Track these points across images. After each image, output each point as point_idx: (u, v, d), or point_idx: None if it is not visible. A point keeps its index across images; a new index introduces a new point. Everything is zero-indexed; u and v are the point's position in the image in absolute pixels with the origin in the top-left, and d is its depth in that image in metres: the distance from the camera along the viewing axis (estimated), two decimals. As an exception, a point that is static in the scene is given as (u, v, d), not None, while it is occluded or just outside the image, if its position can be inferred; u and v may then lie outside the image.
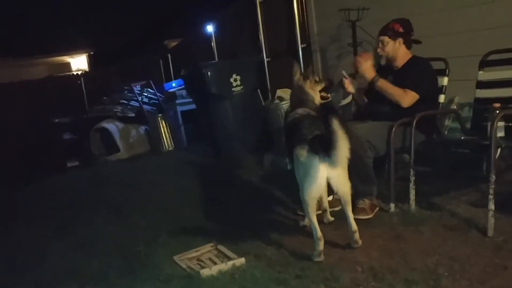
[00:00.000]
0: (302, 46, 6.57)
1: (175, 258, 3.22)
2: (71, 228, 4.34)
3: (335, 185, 2.93)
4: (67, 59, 15.02)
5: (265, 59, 7.08)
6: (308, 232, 3.19)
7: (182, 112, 7.88)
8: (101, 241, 3.85)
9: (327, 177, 2.87)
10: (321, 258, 2.91)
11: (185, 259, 3.19)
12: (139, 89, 9.48)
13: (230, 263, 2.99)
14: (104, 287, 3.04)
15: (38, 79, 12.44)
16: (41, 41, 13.31)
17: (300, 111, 3.31)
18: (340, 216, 3.27)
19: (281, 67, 6.98)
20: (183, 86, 7.89)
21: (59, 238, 4.09)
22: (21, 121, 9.99)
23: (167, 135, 8.15)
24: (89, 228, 4.27)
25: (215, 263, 3.06)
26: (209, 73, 6.07)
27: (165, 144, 8.10)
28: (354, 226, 3.03)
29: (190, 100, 7.53)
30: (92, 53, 14.89)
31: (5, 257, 3.91)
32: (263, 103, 6.48)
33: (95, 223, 4.40)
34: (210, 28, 8.33)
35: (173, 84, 8.90)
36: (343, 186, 2.95)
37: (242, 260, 3.02)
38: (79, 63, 15.12)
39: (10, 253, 3.99)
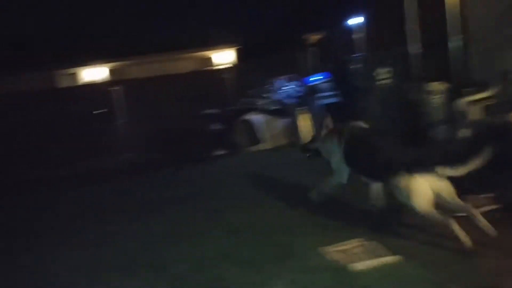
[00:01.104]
0: (457, 37, 6.15)
1: (322, 250, 3.22)
2: (220, 214, 4.55)
3: (443, 198, 3.07)
4: (210, 53, 15.77)
5: (416, 51, 6.75)
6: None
7: (323, 105, 7.85)
8: (249, 229, 3.98)
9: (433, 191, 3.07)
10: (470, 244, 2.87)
11: (332, 252, 3.19)
12: (282, 82, 9.67)
13: (382, 259, 2.93)
14: (252, 271, 3.13)
15: (186, 72, 13.20)
16: (191, 38, 14.22)
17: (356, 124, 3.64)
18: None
19: (432, 59, 6.64)
20: (325, 80, 7.87)
21: (211, 223, 4.30)
22: (172, 112, 10.70)
23: (307, 128, 8.18)
24: (237, 215, 4.43)
25: (363, 259, 3.00)
26: (355, 66, 5.99)
27: (305, 137, 8.14)
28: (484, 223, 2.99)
29: (332, 93, 7.50)
30: (239, 47, 15.46)
31: (164, 233, 4.20)
32: (412, 96, 6.19)
33: (242, 210, 4.57)
34: (354, 21, 8.18)
35: (316, 78, 8.91)
36: (451, 194, 3.08)
37: (396, 257, 2.94)
38: (222, 57, 15.79)
39: (168, 230, 4.29)
